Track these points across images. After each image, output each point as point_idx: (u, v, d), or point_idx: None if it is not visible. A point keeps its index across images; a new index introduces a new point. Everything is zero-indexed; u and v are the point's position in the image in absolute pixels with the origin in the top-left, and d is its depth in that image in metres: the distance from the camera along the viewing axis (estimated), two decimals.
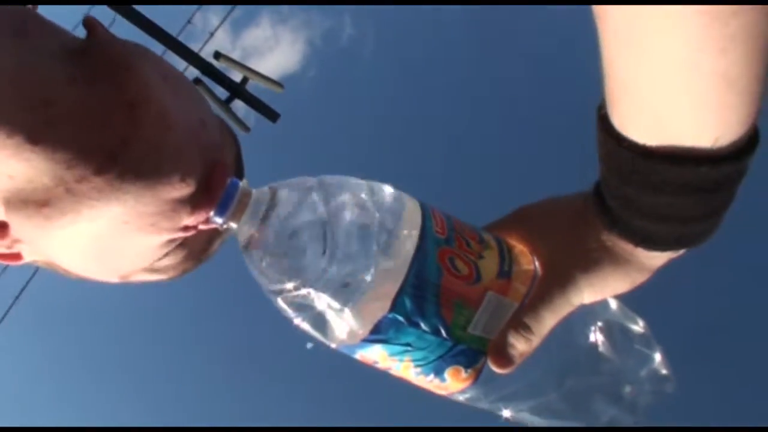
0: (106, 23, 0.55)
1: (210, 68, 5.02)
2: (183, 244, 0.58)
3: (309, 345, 0.54)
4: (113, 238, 0.53)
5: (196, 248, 0.61)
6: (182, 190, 0.52)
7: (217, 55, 4.86)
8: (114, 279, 0.59)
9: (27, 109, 0.48)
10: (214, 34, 5.33)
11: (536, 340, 0.50)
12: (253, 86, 5.07)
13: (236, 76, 5.11)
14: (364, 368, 0.53)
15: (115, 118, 0.49)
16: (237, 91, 4.99)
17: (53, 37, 0.52)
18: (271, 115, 5.08)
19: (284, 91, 5.15)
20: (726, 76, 0.38)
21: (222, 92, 5.31)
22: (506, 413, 0.55)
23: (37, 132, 0.48)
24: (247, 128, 5.22)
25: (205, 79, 4.95)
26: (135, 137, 0.50)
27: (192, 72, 5.22)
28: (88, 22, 0.55)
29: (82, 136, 0.49)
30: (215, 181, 0.53)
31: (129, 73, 0.51)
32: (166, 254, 0.57)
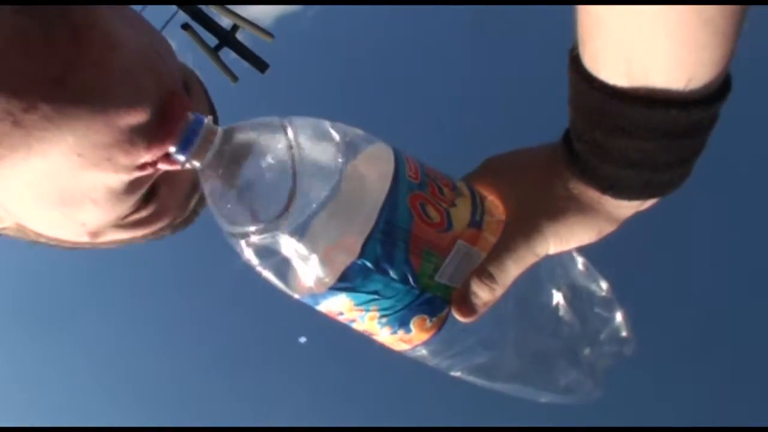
0: None
1: (199, 13, 4.93)
2: (153, 195, 0.57)
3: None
4: (69, 175, 0.50)
5: (169, 202, 0.59)
6: (135, 115, 0.49)
7: None
8: (84, 237, 0.57)
9: None
10: None
11: (499, 290, 0.50)
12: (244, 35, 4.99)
13: (227, 24, 5.03)
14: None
15: (58, 43, 0.47)
16: (226, 38, 4.91)
17: None
18: (260, 65, 5.02)
19: (275, 39, 5.08)
20: (701, 14, 0.38)
21: (211, 41, 5.22)
22: (459, 373, 0.55)
23: None
24: (235, 78, 5.16)
25: (195, 25, 4.87)
26: (81, 60, 0.48)
27: (181, 18, 5.12)
28: None
29: (25, 62, 0.46)
30: (172, 112, 0.51)
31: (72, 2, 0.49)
32: (137, 208, 0.56)
